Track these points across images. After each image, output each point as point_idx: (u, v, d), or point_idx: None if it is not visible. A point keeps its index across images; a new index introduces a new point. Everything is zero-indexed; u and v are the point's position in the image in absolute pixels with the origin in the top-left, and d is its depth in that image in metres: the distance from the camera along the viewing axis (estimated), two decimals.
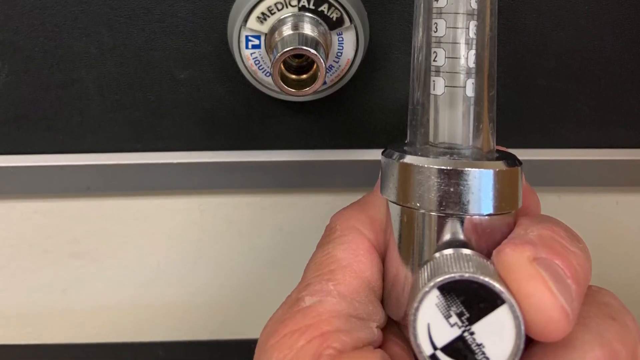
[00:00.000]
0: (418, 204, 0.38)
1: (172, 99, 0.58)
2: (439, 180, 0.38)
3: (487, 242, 0.38)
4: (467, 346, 0.35)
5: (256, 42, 0.52)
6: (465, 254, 0.37)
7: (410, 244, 0.40)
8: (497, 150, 0.42)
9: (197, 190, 0.65)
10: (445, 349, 0.35)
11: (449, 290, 0.35)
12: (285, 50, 0.47)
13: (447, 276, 0.35)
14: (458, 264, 0.36)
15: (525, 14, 0.57)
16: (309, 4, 0.50)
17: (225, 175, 0.62)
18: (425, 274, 0.37)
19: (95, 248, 0.68)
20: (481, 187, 0.37)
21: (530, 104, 0.60)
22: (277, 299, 0.43)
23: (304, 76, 0.51)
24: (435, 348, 0.35)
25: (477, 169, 0.37)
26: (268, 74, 0.53)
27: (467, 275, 0.35)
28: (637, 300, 0.71)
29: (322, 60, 0.47)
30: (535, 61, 0.58)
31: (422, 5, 0.42)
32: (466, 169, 0.37)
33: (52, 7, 0.55)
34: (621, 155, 0.62)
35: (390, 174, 0.40)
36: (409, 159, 0.39)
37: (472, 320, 0.35)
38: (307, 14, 0.50)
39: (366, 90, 0.59)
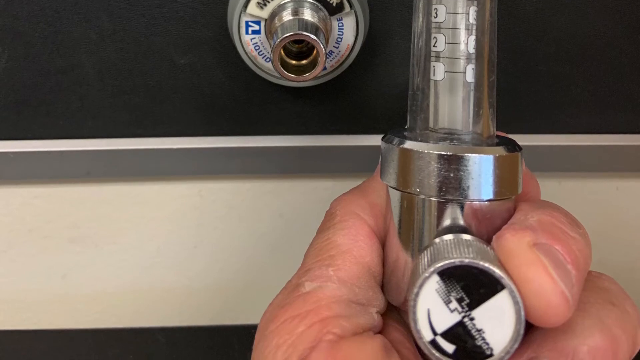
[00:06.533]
0: (418, 190, 0.38)
1: (172, 85, 0.58)
2: (439, 166, 0.38)
3: (487, 227, 0.38)
4: (467, 332, 0.35)
5: (256, 27, 0.51)
6: (465, 240, 0.37)
7: (410, 230, 0.40)
8: (497, 136, 0.42)
9: (197, 176, 0.65)
10: (445, 335, 0.35)
11: (449, 275, 0.35)
12: (285, 35, 0.47)
13: (447, 262, 0.35)
14: (458, 249, 0.36)
15: None
16: None
17: (225, 161, 0.62)
18: (425, 259, 0.37)
19: (95, 233, 0.68)
20: (481, 172, 0.37)
21: (530, 90, 0.60)
22: (277, 284, 0.43)
23: (304, 62, 0.51)
24: (435, 333, 0.35)
25: (477, 155, 0.37)
26: (268, 60, 0.53)
27: (467, 260, 0.35)
28: (637, 285, 0.71)
29: (322, 46, 0.47)
30: (535, 46, 0.58)
31: None
32: (466, 154, 0.37)
33: None
34: (621, 140, 0.62)
35: (390, 160, 0.40)
36: (409, 144, 0.39)
37: (472, 305, 0.35)
38: None
39: (366, 75, 0.59)
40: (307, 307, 0.39)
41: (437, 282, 0.35)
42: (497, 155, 0.38)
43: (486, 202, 0.38)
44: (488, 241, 0.37)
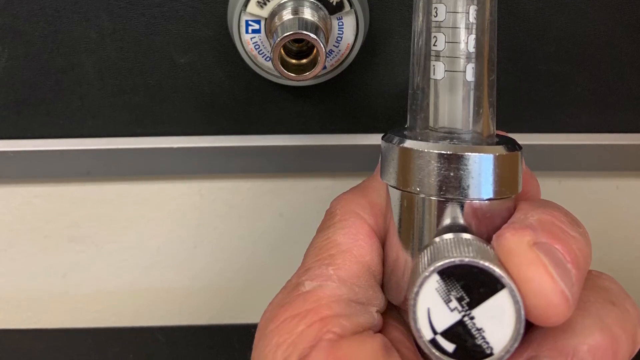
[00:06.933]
0: (418, 189, 0.38)
1: (172, 84, 0.58)
2: (439, 165, 0.38)
3: (487, 226, 0.38)
4: (467, 331, 0.35)
5: (256, 26, 0.51)
6: (465, 239, 0.37)
7: (410, 229, 0.40)
8: (497, 135, 0.42)
9: (197, 175, 0.65)
10: (445, 334, 0.35)
11: (449, 274, 0.35)
12: (285, 34, 0.47)
13: (447, 261, 0.35)
14: (458, 248, 0.36)
15: None
16: None
17: (225, 160, 0.62)
18: (425, 258, 0.37)
19: (96, 232, 0.68)
20: (481, 171, 0.37)
21: (530, 89, 0.60)
22: (277, 283, 0.43)
23: (304, 61, 0.51)
24: (435, 332, 0.35)
25: (477, 154, 0.37)
26: (268, 59, 0.53)
27: (467, 259, 0.35)
28: (637, 284, 0.71)
29: (322, 45, 0.47)
30: (535, 46, 0.58)
31: None
32: (466, 153, 0.37)
33: None
34: (621, 139, 0.62)
35: (390, 159, 0.40)
36: (409, 143, 0.39)
37: (472, 304, 0.35)
38: None
39: (366, 74, 0.59)
40: (307, 306, 0.39)
41: (437, 281, 0.35)
42: (497, 154, 0.38)
43: (486, 201, 0.38)
44: (488, 240, 0.37)
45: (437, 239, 0.38)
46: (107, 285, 0.70)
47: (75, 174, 0.62)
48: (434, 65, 0.41)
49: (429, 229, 0.39)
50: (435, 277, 0.35)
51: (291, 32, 0.47)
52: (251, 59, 0.53)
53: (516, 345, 0.35)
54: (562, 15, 0.57)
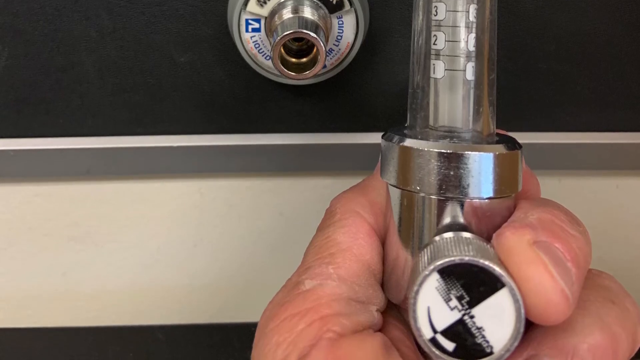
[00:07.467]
0: (418, 188, 0.38)
1: (172, 83, 0.58)
2: (439, 164, 0.38)
3: (487, 225, 0.38)
4: (467, 329, 0.35)
5: (256, 25, 0.51)
6: (465, 238, 0.37)
7: (410, 228, 0.40)
8: (497, 134, 0.42)
9: (197, 174, 0.65)
10: (445, 333, 0.35)
11: (449, 273, 0.35)
12: (286, 33, 0.47)
13: (447, 259, 0.35)
14: (458, 247, 0.36)
15: None
16: None
17: (225, 159, 0.62)
18: (425, 257, 0.37)
19: (96, 231, 0.68)
20: (481, 170, 0.37)
21: (530, 88, 0.60)
22: (277, 282, 0.43)
23: (304, 59, 0.51)
24: (435, 331, 0.35)
25: (477, 153, 0.37)
26: (268, 58, 0.53)
27: (467, 258, 0.35)
28: (637, 283, 0.71)
29: (322, 44, 0.47)
30: (535, 44, 0.58)
31: None
32: (466, 152, 0.37)
33: None
34: (621, 138, 0.62)
35: (390, 158, 0.40)
36: (409, 142, 0.39)
37: (472, 303, 0.35)
38: None
39: (366, 73, 0.59)
40: (307, 305, 0.39)
41: (437, 280, 0.35)
42: (497, 153, 0.38)
43: (486, 200, 0.38)
44: (488, 239, 0.37)
45: (437, 238, 0.38)
46: (107, 284, 0.70)
47: (75, 172, 0.62)
48: (434, 64, 0.41)
49: (429, 228, 0.39)
50: (435, 276, 0.35)
51: (291, 31, 0.47)
52: (251, 58, 0.53)
53: (516, 344, 0.35)
54: (562, 14, 0.57)
